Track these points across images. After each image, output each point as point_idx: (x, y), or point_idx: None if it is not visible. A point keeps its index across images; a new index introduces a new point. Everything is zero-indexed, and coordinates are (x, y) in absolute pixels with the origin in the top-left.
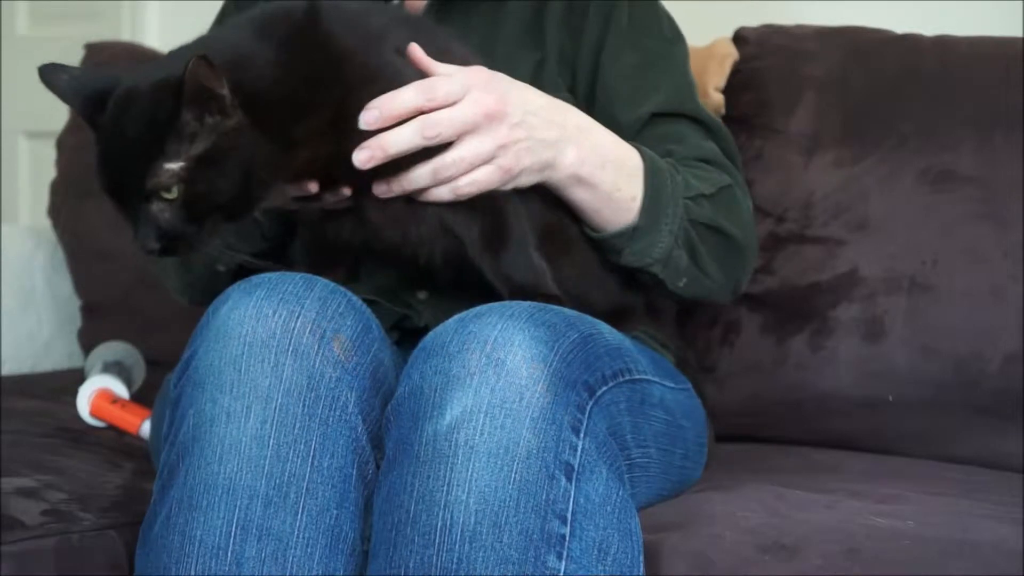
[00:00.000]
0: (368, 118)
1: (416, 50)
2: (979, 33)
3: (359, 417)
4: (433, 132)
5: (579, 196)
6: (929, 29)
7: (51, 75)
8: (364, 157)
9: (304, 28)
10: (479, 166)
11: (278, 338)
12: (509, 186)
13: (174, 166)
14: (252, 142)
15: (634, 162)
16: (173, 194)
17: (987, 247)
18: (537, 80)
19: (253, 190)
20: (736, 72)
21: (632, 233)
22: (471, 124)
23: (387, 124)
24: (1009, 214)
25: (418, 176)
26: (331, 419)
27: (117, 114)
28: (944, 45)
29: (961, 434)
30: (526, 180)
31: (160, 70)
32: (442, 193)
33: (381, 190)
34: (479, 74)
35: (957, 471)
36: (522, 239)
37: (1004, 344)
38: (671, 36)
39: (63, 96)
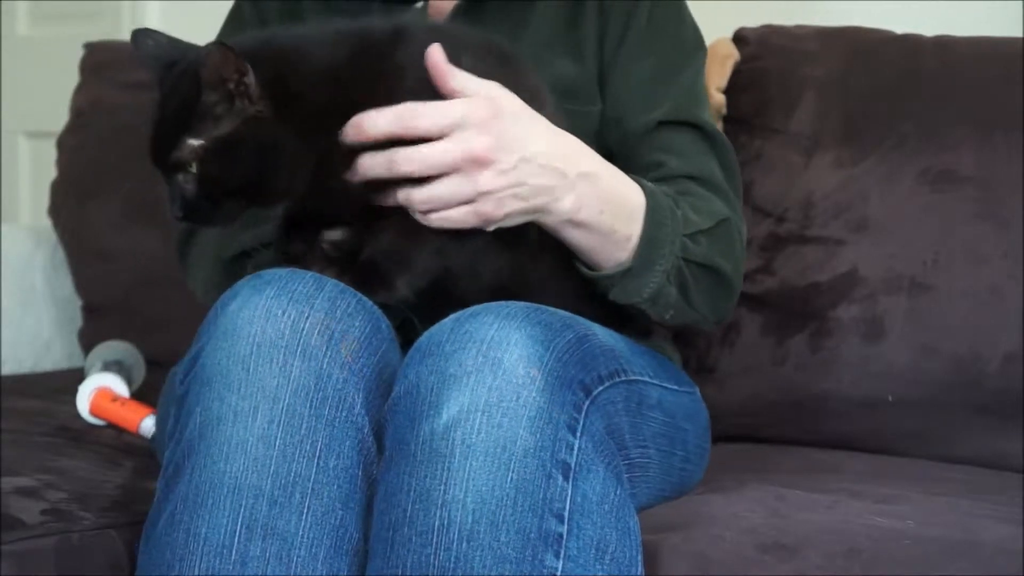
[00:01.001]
0: (346, 132)
1: (435, 52)
2: (979, 33)
3: (365, 418)
4: (402, 169)
5: (572, 236)
6: (929, 29)
7: (140, 38)
8: (349, 174)
9: (380, 52)
10: (455, 206)
11: (287, 338)
12: (490, 228)
13: (195, 143)
14: (275, 135)
15: (635, 201)
16: (193, 169)
17: (987, 247)
18: (572, 86)
19: (272, 182)
20: (736, 72)
21: (624, 273)
22: (449, 166)
23: (363, 142)
24: (1009, 214)
25: (388, 198)
26: (338, 420)
27: (169, 87)
28: (944, 45)
29: (961, 434)
30: (511, 223)
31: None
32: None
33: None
34: (483, 108)
35: (957, 471)
36: (421, 273)
37: (1004, 344)
38: (691, 44)
39: (143, 60)
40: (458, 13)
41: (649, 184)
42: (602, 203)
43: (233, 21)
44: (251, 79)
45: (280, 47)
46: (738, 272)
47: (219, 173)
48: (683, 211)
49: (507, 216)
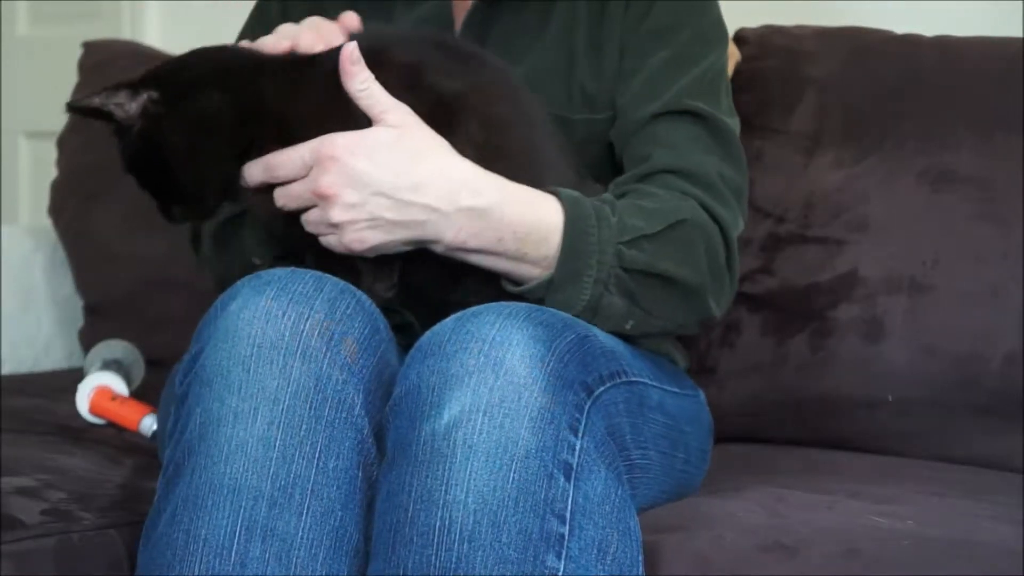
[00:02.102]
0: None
1: (348, 49)
2: (979, 33)
3: (365, 419)
4: (278, 204)
5: (475, 260)
6: (929, 29)
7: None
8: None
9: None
10: (325, 234)
11: (287, 340)
12: (372, 254)
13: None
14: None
15: (549, 223)
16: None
17: (987, 247)
18: (591, 94)
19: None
20: (736, 72)
21: (547, 286)
22: (306, 201)
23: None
24: (1009, 214)
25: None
26: (337, 421)
27: None
28: (944, 45)
29: (961, 434)
30: (394, 249)
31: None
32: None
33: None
34: (330, 146)
35: (957, 471)
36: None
37: (1004, 344)
38: (713, 36)
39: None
40: (474, 13)
41: (572, 193)
42: (500, 232)
43: (258, 21)
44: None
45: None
46: (700, 273)
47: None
48: (621, 217)
49: (378, 245)
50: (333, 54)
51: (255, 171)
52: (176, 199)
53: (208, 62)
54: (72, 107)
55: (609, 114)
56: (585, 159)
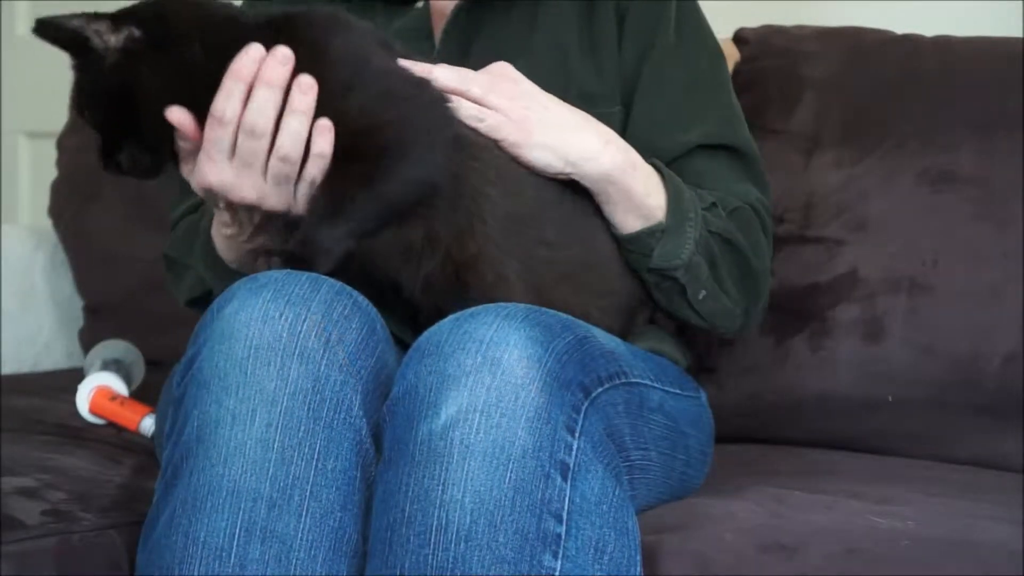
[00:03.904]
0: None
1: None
2: (979, 33)
3: (363, 419)
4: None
5: (609, 193)
6: (929, 29)
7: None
8: None
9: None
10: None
11: (284, 341)
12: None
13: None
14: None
15: (654, 177)
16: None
17: (987, 247)
18: (590, 90)
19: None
20: (736, 72)
21: (661, 234)
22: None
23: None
24: (1009, 214)
25: None
26: (336, 422)
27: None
28: (944, 45)
29: (961, 434)
30: (542, 163)
31: None
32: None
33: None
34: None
35: (957, 471)
36: (355, 228)
37: (1004, 344)
38: (715, 48)
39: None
40: (460, 13)
41: (653, 159)
42: (633, 169)
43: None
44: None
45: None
46: (759, 257)
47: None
48: (694, 191)
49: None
50: (313, 17)
51: (448, 74)
52: (130, 144)
53: (190, 12)
54: (43, 24)
55: (615, 108)
56: None
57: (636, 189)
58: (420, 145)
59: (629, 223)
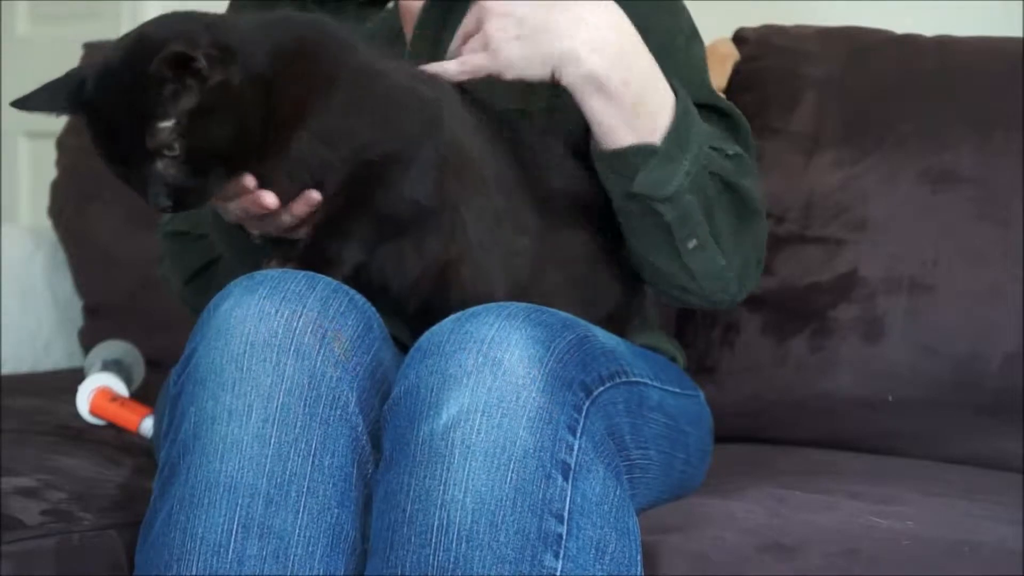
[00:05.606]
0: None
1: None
2: (979, 33)
3: (360, 416)
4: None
5: (591, 105)
6: (929, 29)
7: (25, 104)
8: None
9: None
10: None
11: (280, 337)
12: (511, 75)
13: (168, 124)
14: (244, 95)
15: (666, 96)
16: (175, 150)
17: (987, 247)
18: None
19: (250, 137)
20: (736, 72)
21: (650, 156)
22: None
23: None
24: (1009, 214)
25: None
26: (332, 418)
27: (101, 90)
28: (944, 45)
29: (961, 434)
30: (532, 74)
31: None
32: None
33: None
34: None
35: (957, 471)
36: (359, 242)
37: (1004, 344)
38: (689, 31)
39: (48, 108)
40: (428, 13)
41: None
42: (628, 75)
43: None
44: (201, 62)
45: (208, 19)
46: (762, 208)
47: (205, 137)
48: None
49: (520, 61)
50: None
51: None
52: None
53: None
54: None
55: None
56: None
57: (621, 102)
58: (418, 165)
59: (619, 136)
